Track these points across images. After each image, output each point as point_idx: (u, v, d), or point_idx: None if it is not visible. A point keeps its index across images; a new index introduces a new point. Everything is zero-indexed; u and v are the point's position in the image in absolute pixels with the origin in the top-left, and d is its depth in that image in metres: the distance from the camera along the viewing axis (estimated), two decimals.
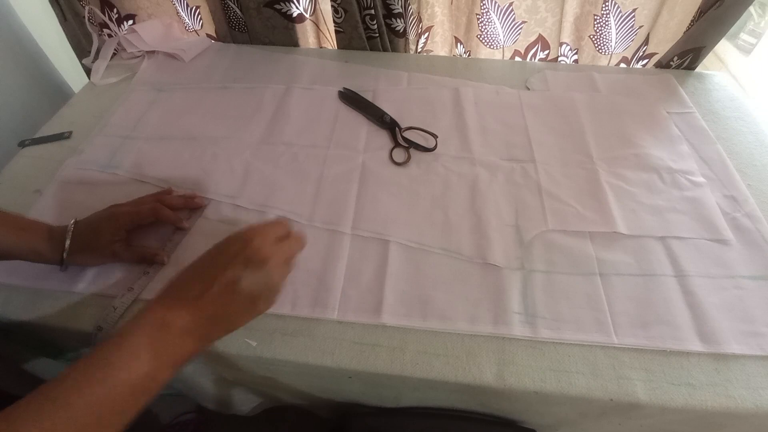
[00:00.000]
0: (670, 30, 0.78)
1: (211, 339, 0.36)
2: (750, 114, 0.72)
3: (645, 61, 0.84)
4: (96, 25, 0.85)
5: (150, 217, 0.49)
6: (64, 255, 0.45)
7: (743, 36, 1.00)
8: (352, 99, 0.72)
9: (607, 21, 0.78)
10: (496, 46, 0.85)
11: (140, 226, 0.49)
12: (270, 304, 0.38)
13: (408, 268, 0.51)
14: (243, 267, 0.36)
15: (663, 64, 0.82)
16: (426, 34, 0.86)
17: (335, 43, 0.85)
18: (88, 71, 0.78)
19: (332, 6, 0.78)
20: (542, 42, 0.84)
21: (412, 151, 0.64)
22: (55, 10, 0.84)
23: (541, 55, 0.86)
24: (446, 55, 0.90)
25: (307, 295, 0.48)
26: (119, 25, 0.87)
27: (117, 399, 0.30)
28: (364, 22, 0.79)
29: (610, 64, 0.85)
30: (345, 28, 0.81)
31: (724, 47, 1.00)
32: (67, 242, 0.45)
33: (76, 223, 0.47)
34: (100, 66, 0.77)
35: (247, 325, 0.45)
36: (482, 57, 0.87)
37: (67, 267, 0.47)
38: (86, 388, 0.29)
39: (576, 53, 0.85)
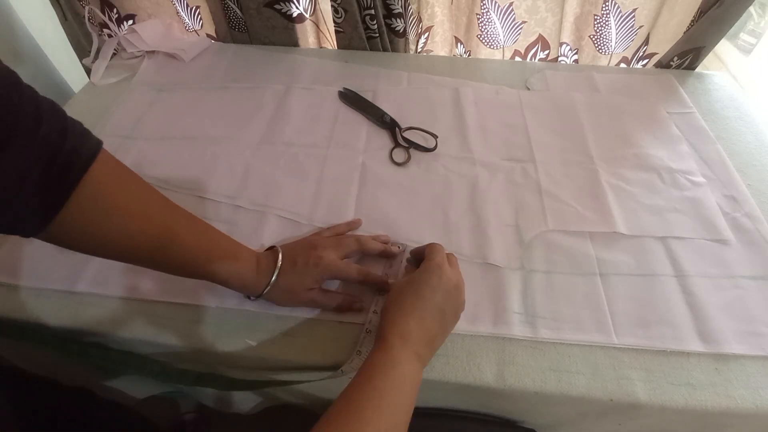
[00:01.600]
0: (670, 30, 0.78)
1: (432, 355, 0.41)
2: (750, 114, 0.72)
3: (645, 61, 0.84)
4: (96, 25, 0.85)
5: (355, 280, 0.47)
6: (266, 291, 0.43)
7: (743, 36, 1.00)
8: (352, 99, 0.72)
9: (607, 21, 0.78)
10: (496, 46, 0.85)
11: None
12: (458, 319, 0.43)
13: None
14: (444, 296, 0.41)
15: (663, 64, 0.82)
16: (426, 34, 0.86)
17: (335, 43, 0.85)
18: (88, 71, 0.77)
19: (332, 6, 0.78)
20: (542, 42, 0.84)
21: (412, 151, 0.64)
22: (55, 10, 0.84)
23: (541, 55, 0.86)
24: (446, 55, 0.90)
25: None
26: (119, 25, 0.87)
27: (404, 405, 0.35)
28: (364, 22, 0.79)
29: (610, 64, 0.85)
30: (345, 28, 0.81)
31: (724, 47, 1.00)
32: (273, 278, 0.43)
33: (283, 258, 0.44)
34: (100, 66, 0.77)
35: (247, 326, 0.46)
36: (482, 57, 0.87)
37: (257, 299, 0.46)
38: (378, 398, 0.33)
39: (576, 53, 0.85)
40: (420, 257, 0.46)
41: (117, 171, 0.36)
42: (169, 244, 0.39)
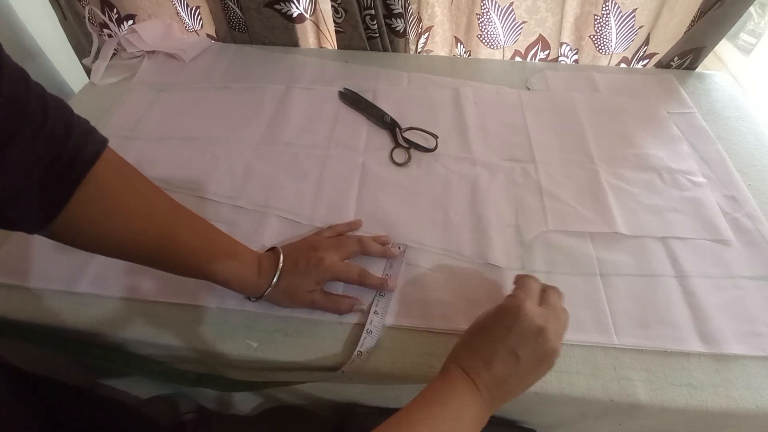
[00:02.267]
0: (671, 30, 0.78)
1: (504, 401, 0.37)
2: (750, 114, 0.72)
3: (645, 61, 0.84)
4: (96, 25, 0.85)
5: (356, 281, 0.47)
6: (267, 293, 0.43)
7: (743, 36, 1.00)
8: (352, 99, 0.72)
9: (608, 21, 0.78)
10: (497, 46, 0.85)
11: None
12: (551, 365, 0.38)
13: (408, 268, 0.51)
14: (520, 339, 0.36)
15: (663, 64, 0.82)
16: (426, 34, 0.86)
17: (335, 43, 0.85)
18: (88, 71, 0.77)
19: (332, 6, 0.78)
20: (542, 42, 0.84)
21: (412, 151, 0.64)
22: (55, 10, 0.84)
23: (542, 55, 0.86)
24: (446, 55, 0.90)
25: None
26: (119, 25, 0.86)
27: None
28: (364, 22, 0.79)
29: (610, 64, 0.85)
30: (345, 28, 0.81)
31: (724, 47, 1.00)
32: (274, 279, 0.43)
33: (284, 259, 0.44)
34: (100, 66, 0.77)
35: (247, 326, 0.46)
36: (482, 57, 0.87)
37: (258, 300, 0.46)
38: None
39: (576, 53, 0.85)
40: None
41: (121, 170, 0.36)
42: (171, 244, 0.38)
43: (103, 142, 0.35)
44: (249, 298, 0.47)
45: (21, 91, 0.29)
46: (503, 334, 0.36)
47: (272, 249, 0.47)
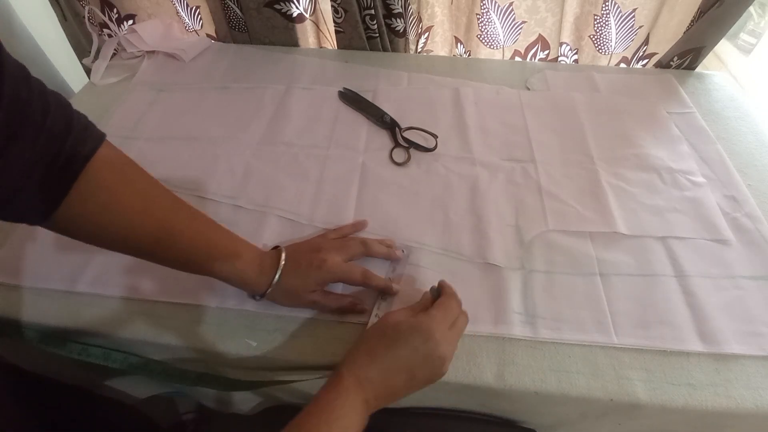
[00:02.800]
0: (670, 30, 0.78)
1: (377, 408, 0.38)
2: (750, 114, 0.72)
3: (645, 61, 0.84)
4: (96, 25, 0.85)
5: (358, 282, 0.46)
6: (268, 291, 0.43)
7: (743, 36, 1.00)
8: (352, 99, 0.72)
9: (607, 21, 0.78)
10: (496, 46, 0.85)
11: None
12: (429, 384, 0.39)
13: (408, 268, 0.50)
14: (423, 362, 0.37)
15: (663, 64, 0.82)
16: (426, 34, 0.86)
17: (335, 43, 0.85)
18: (88, 71, 0.77)
19: (332, 6, 0.78)
20: (542, 42, 0.84)
21: (412, 151, 0.64)
22: (55, 10, 0.84)
23: (541, 55, 0.86)
24: (446, 55, 0.90)
25: None
26: (119, 25, 0.87)
27: None
28: (364, 22, 0.79)
29: (610, 64, 0.85)
30: (345, 28, 0.81)
31: (724, 47, 1.00)
32: (275, 278, 0.43)
33: (286, 259, 0.44)
34: (100, 66, 0.77)
35: (247, 326, 0.46)
36: (482, 57, 0.87)
37: (260, 299, 0.46)
38: None
39: (576, 53, 0.85)
40: (437, 297, 0.43)
41: (119, 166, 0.37)
42: (170, 240, 0.39)
43: (100, 137, 0.35)
44: (253, 297, 0.47)
45: (22, 90, 0.29)
46: (408, 354, 0.37)
47: (275, 248, 0.47)
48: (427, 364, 0.38)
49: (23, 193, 0.30)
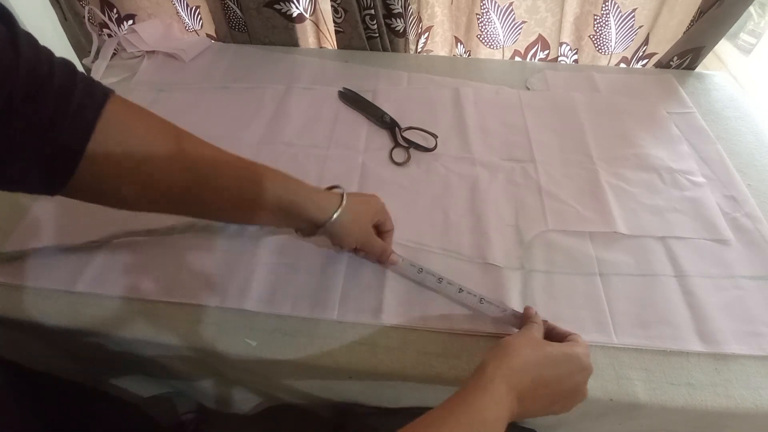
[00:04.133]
0: (670, 30, 0.78)
1: (511, 419, 0.36)
2: (750, 114, 0.72)
3: (645, 61, 0.84)
4: (96, 25, 0.85)
5: (377, 252, 0.48)
6: (336, 214, 0.41)
7: (743, 36, 1.00)
8: (352, 99, 0.72)
9: (607, 21, 0.78)
10: (496, 46, 0.85)
11: None
12: (559, 412, 0.38)
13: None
14: (571, 389, 0.37)
15: (663, 64, 0.82)
16: (426, 34, 0.86)
17: (335, 43, 0.85)
18: (88, 71, 0.78)
19: (332, 6, 0.78)
20: (542, 42, 0.84)
21: (412, 151, 0.64)
22: (55, 10, 0.84)
23: (541, 55, 0.86)
24: (446, 55, 0.90)
25: (307, 295, 0.48)
26: (119, 25, 0.87)
27: None
28: (364, 22, 0.79)
29: (610, 64, 0.85)
30: (345, 28, 0.81)
31: (724, 47, 1.00)
32: (344, 200, 0.42)
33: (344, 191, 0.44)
34: (100, 66, 0.77)
35: (247, 325, 0.46)
36: (482, 57, 0.87)
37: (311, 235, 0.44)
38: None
39: (576, 53, 0.85)
40: (549, 334, 0.42)
41: (132, 107, 0.35)
42: (205, 169, 0.36)
43: (108, 89, 0.33)
44: (303, 232, 0.45)
45: (34, 54, 0.29)
46: (560, 377, 0.36)
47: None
48: (572, 393, 0.37)
49: (44, 148, 0.29)
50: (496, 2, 0.78)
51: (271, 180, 0.40)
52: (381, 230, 0.49)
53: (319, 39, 0.87)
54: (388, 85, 0.76)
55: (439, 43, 0.87)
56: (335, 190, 0.45)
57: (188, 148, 0.36)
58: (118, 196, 0.34)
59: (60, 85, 0.30)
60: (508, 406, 0.33)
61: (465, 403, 0.32)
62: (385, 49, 0.84)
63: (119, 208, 0.36)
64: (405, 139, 0.65)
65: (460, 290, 0.47)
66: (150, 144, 0.34)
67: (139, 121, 0.34)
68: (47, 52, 0.31)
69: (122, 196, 0.35)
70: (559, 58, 0.86)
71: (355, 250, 0.50)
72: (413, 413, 0.44)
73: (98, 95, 0.32)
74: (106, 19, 0.82)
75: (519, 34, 0.83)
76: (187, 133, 0.37)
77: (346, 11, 0.78)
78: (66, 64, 0.32)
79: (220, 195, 0.38)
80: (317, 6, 0.81)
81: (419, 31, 0.85)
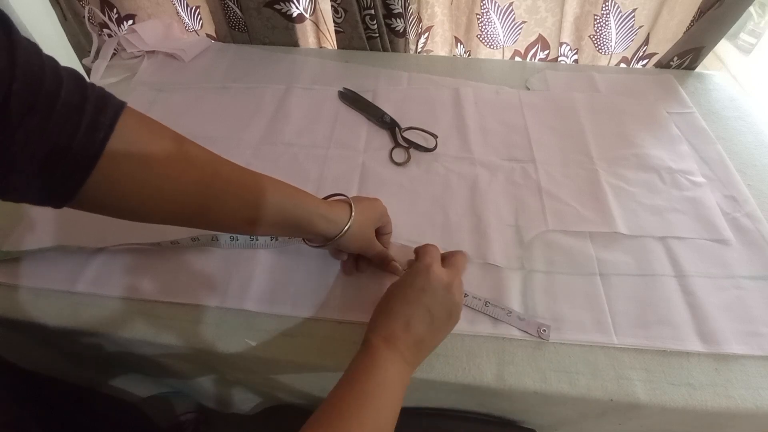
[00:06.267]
0: (670, 30, 0.78)
1: (422, 359, 0.39)
2: (750, 114, 0.72)
3: (645, 61, 0.84)
4: (96, 25, 0.85)
5: (378, 256, 0.48)
6: (347, 227, 0.42)
7: (743, 36, 1.00)
8: (352, 99, 0.72)
9: (607, 21, 0.78)
10: (496, 46, 0.85)
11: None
12: (457, 319, 0.41)
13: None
14: (432, 297, 0.39)
15: (663, 64, 0.82)
16: (426, 34, 0.86)
17: (335, 43, 0.85)
18: (88, 71, 0.78)
19: (332, 6, 0.78)
20: (542, 42, 0.84)
21: (412, 151, 0.64)
22: (55, 10, 0.84)
23: (541, 55, 0.86)
24: (446, 55, 0.90)
25: (307, 295, 0.48)
26: (119, 25, 0.87)
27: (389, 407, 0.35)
28: (364, 22, 0.79)
29: (610, 64, 0.85)
30: (345, 28, 0.81)
31: (724, 47, 1.01)
32: (352, 213, 0.43)
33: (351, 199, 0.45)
34: (100, 66, 0.77)
35: (247, 325, 0.46)
36: (482, 57, 0.87)
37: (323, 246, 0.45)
38: (364, 402, 0.33)
39: (576, 53, 0.85)
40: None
41: (145, 121, 0.35)
42: (218, 184, 0.37)
43: (121, 103, 0.33)
44: (314, 243, 0.46)
45: (35, 62, 0.29)
46: (417, 295, 0.39)
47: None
48: (437, 298, 0.39)
49: (49, 167, 0.29)
50: (496, 2, 0.78)
51: (280, 195, 0.40)
52: (380, 233, 0.49)
53: (319, 39, 0.87)
54: (388, 85, 0.76)
55: (439, 43, 0.87)
56: (339, 198, 0.46)
57: (199, 162, 0.37)
58: (124, 208, 0.35)
59: (68, 97, 0.29)
60: (384, 353, 0.36)
61: (357, 370, 0.35)
62: (385, 49, 0.84)
63: (124, 219, 0.36)
64: (405, 139, 0.65)
65: (465, 294, 0.47)
66: (162, 160, 0.34)
67: (150, 136, 0.34)
68: (52, 63, 0.30)
69: (129, 209, 0.35)
70: (559, 58, 0.86)
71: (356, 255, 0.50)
72: (413, 413, 0.44)
73: (110, 110, 0.31)
74: (106, 19, 0.82)
75: (519, 34, 0.83)
76: (197, 146, 0.38)
77: (346, 11, 0.78)
78: (75, 75, 0.31)
79: (228, 209, 0.38)
80: (317, 6, 0.81)
81: (419, 31, 0.85)
